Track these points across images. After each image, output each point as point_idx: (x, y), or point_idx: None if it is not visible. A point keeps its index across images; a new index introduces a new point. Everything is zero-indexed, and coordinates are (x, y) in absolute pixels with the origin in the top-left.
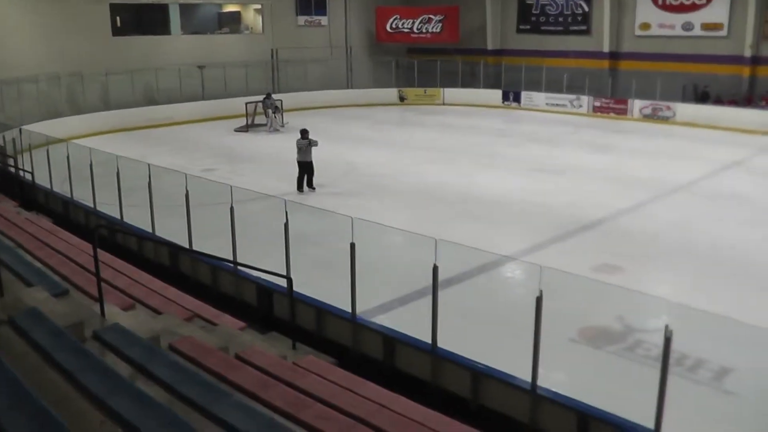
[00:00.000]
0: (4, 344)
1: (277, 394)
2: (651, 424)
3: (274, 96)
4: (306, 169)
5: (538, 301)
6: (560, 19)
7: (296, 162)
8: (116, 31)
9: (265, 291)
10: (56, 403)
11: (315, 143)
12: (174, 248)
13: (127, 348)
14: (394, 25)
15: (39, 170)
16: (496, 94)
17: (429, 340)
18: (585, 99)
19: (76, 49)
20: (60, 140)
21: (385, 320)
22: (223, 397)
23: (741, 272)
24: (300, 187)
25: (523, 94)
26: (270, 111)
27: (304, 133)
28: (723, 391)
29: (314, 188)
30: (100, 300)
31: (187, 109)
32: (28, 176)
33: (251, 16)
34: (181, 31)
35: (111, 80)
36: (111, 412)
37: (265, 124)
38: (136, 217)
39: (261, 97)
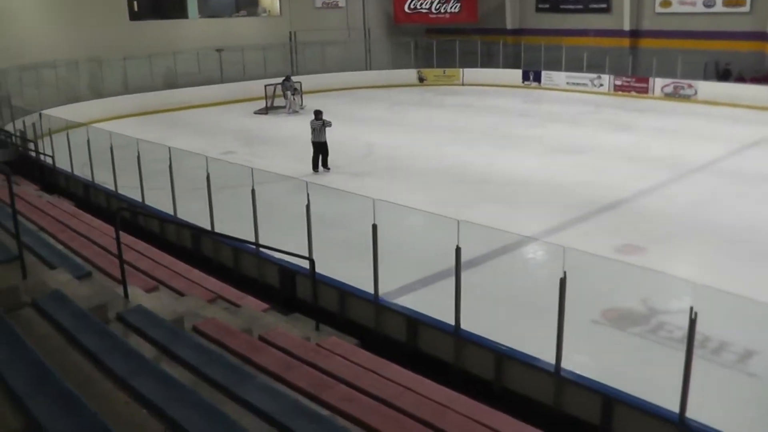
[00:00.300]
0: (28, 326)
1: (300, 376)
2: (675, 407)
3: (293, 78)
4: (320, 149)
5: (562, 282)
6: None
7: (311, 143)
8: (133, 16)
9: (288, 273)
10: (80, 384)
11: (329, 124)
12: (196, 230)
13: (151, 329)
14: (412, 6)
15: (59, 154)
16: (515, 74)
17: (452, 322)
18: (605, 78)
19: (94, 34)
20: (80, 124)
21: (407, 302)
22: (247, 378)
23: (763, 252)
24: (315, 167)
25: (543, 74)
26: (289, 93)
27: (318, 113)
28: (747, 374)
29: (329, 168)
30: (123, 282)
31: (205, 92)
32: (49, 160)
33: None
34: (199, 14)
35: (129, 64)
36: (135, 393)
37: (284, 107)
38: (158, 200)
39: (280, 80)
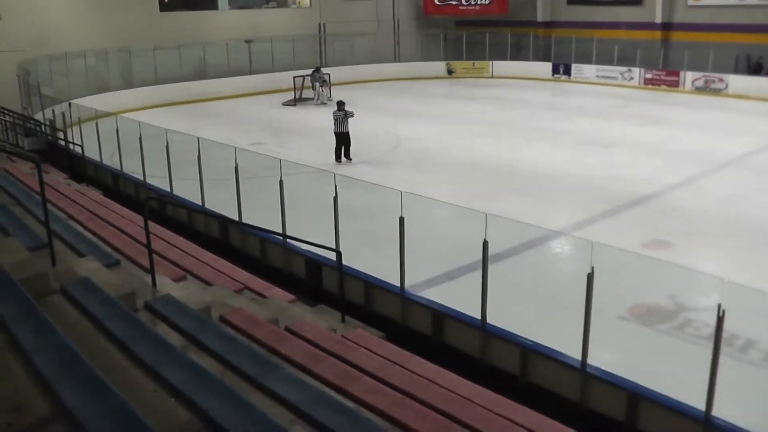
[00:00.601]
0: (57, 312)
1: (326, 367)
2: (702, 405)
3: (322, 69)
4: (343, 139)
5: (589, 277)
6: None
7: (333, 133)
8: (163, 7)
9: (314, 264)
10: (108, 371)
11: (351, 114)
12: (224, 221)
13: (179, 318)
14: None
15: (88, 143)
16: (545, 67)
17: (478, 316)
18: (636, 71)
19: (124, 24)
20: (109, 114)
21: (433, 295)
22: (274, 369)
23: None
24: (338, 158)
25: (573, 67)
26: (318, 84)
27: (340, 104)
28: None
29: (351, 159)
30: (151, 271)
31: (234, 83)
32: (78, 149)
33: None
34: (229, 5)
35: (159, 55)
36: (163, 382)
37: (312, 98)
38: (186, 190)
39: (308, 71)
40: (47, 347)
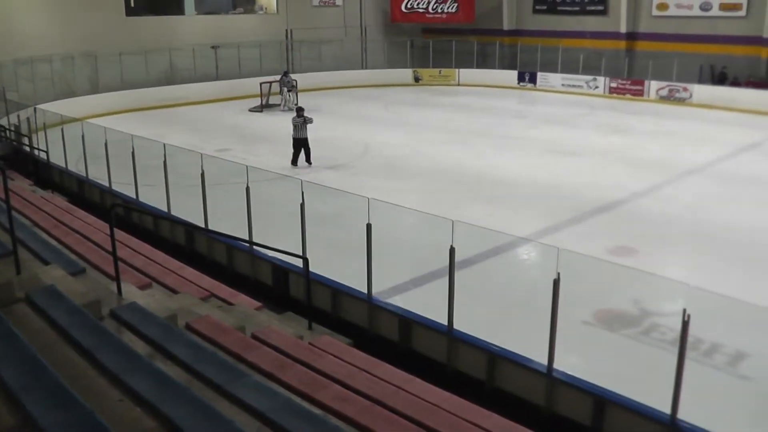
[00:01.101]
0: (22, 321)
1: (293, 375)
2: (667, 409)
3: (290, 75)
4: (301, 144)
5: (556, 283)
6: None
7: (292, 138)
8: (130, 11)
9: (281, 271)
10: (74, 380)
11: (310, 120)
12: (190, 227)
13: (145, 327)
14: (409, 5)
15: (54, 149)
16: (511, 75)
17: (445, 322)
18: (601, 80)
19: (90, 29)
20: (74, 119)
21: (400, 301)
22: (241, 376)
23: (757, 255)
24: (294, 162)
25: (539, 75)
26: (285, 89)
27: (299, 110)
28: (739, 376)
29: (311, 163)
30: (117, 279)
31: (201, 89)
32: (43, 155)
33: None
34: (195, 11)
35: (125, 60)
36: (129, 391)
37: (279, 104)
38: (152, 197)
39: (275, 77)
40: (12, 357)
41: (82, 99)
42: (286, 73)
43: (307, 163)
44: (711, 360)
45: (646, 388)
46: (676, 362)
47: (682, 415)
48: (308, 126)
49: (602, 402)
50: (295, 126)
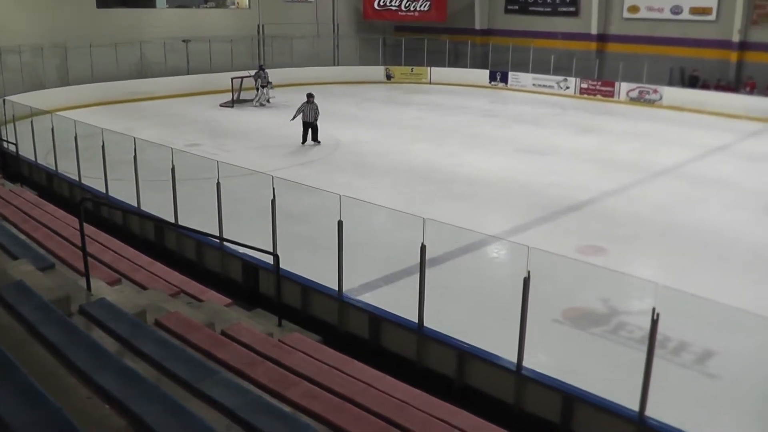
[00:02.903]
0: None
1: (263, 372)
2: (635, 406)
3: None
4: (308, 126)
5: (526, 282)
6: (548, 0)
7: (302, 122)
8: (101, 3)
9: (251, 267)
10: (42, 377)
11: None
12: (160, 223)
13: (114, 323)
14: (381, 3)
15: (23, 142)
16: (483, 74)
17: (415, 320)
18: (572, 81)
19: (60, 20)
20: (44, 112)
21: (370, 299)
22: (210, 373)
23: (724, 255)
24: (304, 140)
25: (510, 75)
26: (259, 83)
27: (310, 97)
28: (706, 374)
29: (319, 142)
30: (86, 274)
31: (171, 83)
32: (12, 148)
33: None
34: (167, 4)
35: (95, 52)
36: (97, 388)
37: (251, 100)
38: (122, 191)
39: (246, 73)
40: None
41: (52, 91)
42: (261, 68)
43: (314, 141)
44: (679, 358)
45: (615, 386)
46: (644, 360)
47: (650, 412)
48: (318, 111)
49: (571, 399)
50: (302, 111)
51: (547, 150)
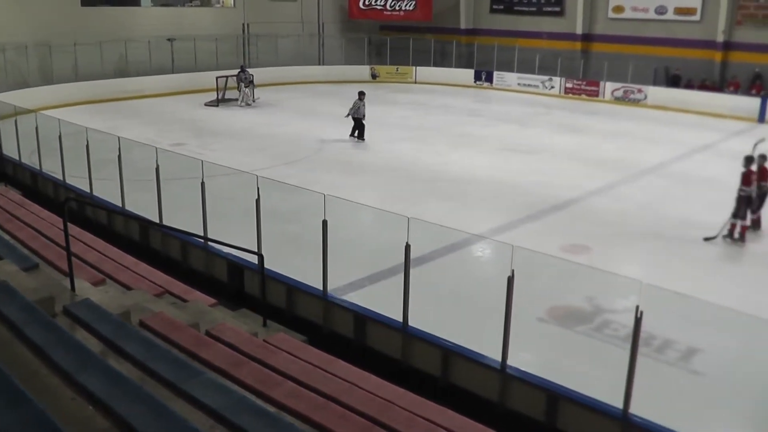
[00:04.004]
0: None
1: (247, 372)
2: (619, 404)
3: (248, 70)
4: (359, 123)
5: (510, 280)
6: (533, 0)
7: (353, 118)
8: (85, 1)
9: (236, 267)
10: (26, 378)
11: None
12: (144, 223)
13: (98, 324)
14: (367, 2)
15: (7, 141)
16: (468, 74)
17: (400, 319)
18: (557, 80)
19: (44, 18)
20: (28, 111)
21: (355, 298)
22: (194, 374)
23: (707, 254)
24: (352, 134)
25: (495, 74)
26: (242, 85)
27: (361, 94)
28: (691, 371)
29: (364, 140)
30: (70, 275)
31: (156, 82)
32: None
33: None
34: (152, 2)
35: (80, 51)
36: (81, 389)
37: (236, 99)
38: (106, 191)
39: (231, 72)
40: None
41: (36, 90)
42: (243, 69)
43: (359, 139)
44: (663, 356)
45: (599, 384)
46: (628, 358)
47: (634, 409)
48: (365, 109)
49: (555, 397)
50: (357, 107)
51: (532, 149)
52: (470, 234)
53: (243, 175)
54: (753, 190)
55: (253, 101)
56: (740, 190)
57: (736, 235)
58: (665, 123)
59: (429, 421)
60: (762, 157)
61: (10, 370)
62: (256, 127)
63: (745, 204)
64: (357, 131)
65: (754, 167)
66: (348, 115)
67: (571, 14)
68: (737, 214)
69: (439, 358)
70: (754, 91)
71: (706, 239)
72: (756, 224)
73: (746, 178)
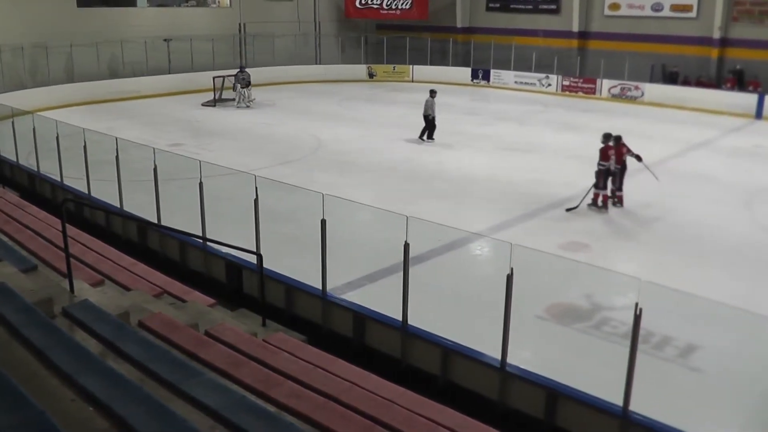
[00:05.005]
0: None
1: (247, 372)
2: (619, 401)
3: (246, 70)
4: (430, 123)
5: (509, 278)
6: None
7: (423, 117)
8: (81, 2)
9: (235, 267)
10: (25, 380)
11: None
12: (142, 223)
13: (97, 325)
14: (363, 1)
15: (4, 143)
16: (465, 72)
17: (399, 318)
18: (554, 78)
19: (40, 19)
20: (25, 112)
21: (355, 297)
22: (194, 374)
23: (706, 250)
24: (421, 136)
25: (492, 73)
26: (239, 86)
27: (432, 92)
28: (689, 368)
29: (433, 139)
30: (69, 276)
31: (153, 82)
32: None
33: None
34: (147, 3)
35: (76, 52)
36: (81, 390)
37: (233, 99)
38: (104, 192)
39: (228, 72)
40: None
41: (32, 91)
42: (242, 68)
43: (428, 139)
44: (662, 353)
45: (599, 381)
46: (627, 355)
47: (633, 406)
48: (436, 107)
49: (555, 395)
50: (429, 105)
51: (529, 147)
52: (469, 232)
53: (241, 175)
54: (611, 164)
55: (251, 101)
56: (599, 164)
57: (600, 203)
58: (662, 120)
59: (429, 420)
60: (617, 138)
61: (10, 371)
62: (253, 127)
63: (604, 176)
64: (427, 132)
65: (611, 143)
66: (426, 114)
67: (567, 12)
68: (597, 185)
69: (438, 356)
70: (728, 85)
71: (569, 210)
72: (618, 201)
73: (604, 154)
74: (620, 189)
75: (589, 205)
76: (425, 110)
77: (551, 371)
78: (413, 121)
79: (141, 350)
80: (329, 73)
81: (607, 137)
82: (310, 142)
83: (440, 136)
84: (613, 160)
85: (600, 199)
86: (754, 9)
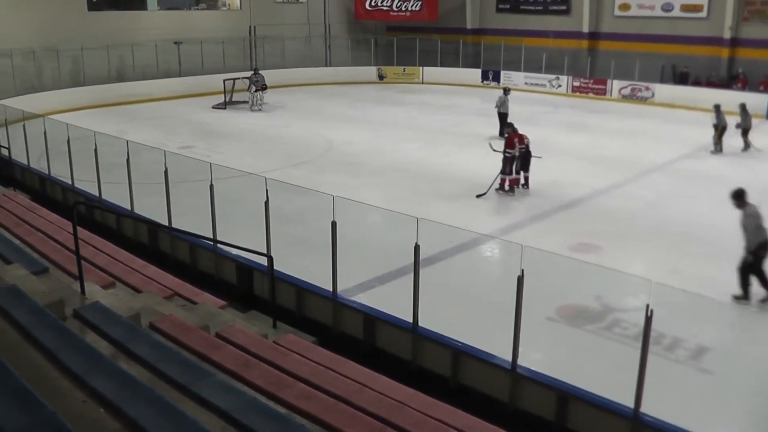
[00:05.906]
0: None
1: (258, 374)
2: (630, 403)
3: (260, 72)
4: (500, 117)
5: (520, 280)
6: None
7: (497, 113)
8: (92, 6)
9: (245, 269)
10: (37, 381)
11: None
12: (153, 226)
13: (108, 326)
14: (373, 3)
15: (15, 146)
16: (475, 74)
17: (410, 319)
18: (564, 79)
19: (52, 23)
20: (36, 115)
21: (365, 299)
22: (205, 376)
23: (716, 251)
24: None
25: (502, 74)
26: (254, 88)
27: (506, 90)
28: (700, 370)
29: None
30: (80, 278)
31: (163, 85)
32: (5, 152)
33: None
34: (158, 6)
35: (87, 55)
36: (92, 392)
37: (245, 101)
38: (115, 194)
39: (238, 74)
40: None
41: (44, 95)
42: (256, 71)
43: (500, 137)
44: (673, 354)
45: (610, 383)
46: (639, 357)
47: (645, 408)
48: (509, 103)
49: (566, 397)
50: (501, 101)
51: (540, 148)
52: (479, 234)
53: (251, 177)
54: (516, 151)
55: (263, 104)
56: (505, 152)
57: (506, 187)
58: (673, 120)
59: (440, 422)
60: (511, 128)
61: (22, 373)
62: (263, 129)
63: (510, 163)
64: (500, 127)
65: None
66: (497, 107)
67: (577, 12)
68: (504, 171)
69: (449, 358)
70: (739, 85)
71: (479, 196)
72: (525, 182)
73: (510, 142)
74: (527, 170)
75: (496, 189)
76: (500, 106)
77: (562, 373)
78: (423, 122)
79: (152, 352)
80: (339, 75)
81: (510, 126)
82: (320, 144)
83: (450, 138)
84: (518, 147)
85: (507, 183)
86: (765, 9)
